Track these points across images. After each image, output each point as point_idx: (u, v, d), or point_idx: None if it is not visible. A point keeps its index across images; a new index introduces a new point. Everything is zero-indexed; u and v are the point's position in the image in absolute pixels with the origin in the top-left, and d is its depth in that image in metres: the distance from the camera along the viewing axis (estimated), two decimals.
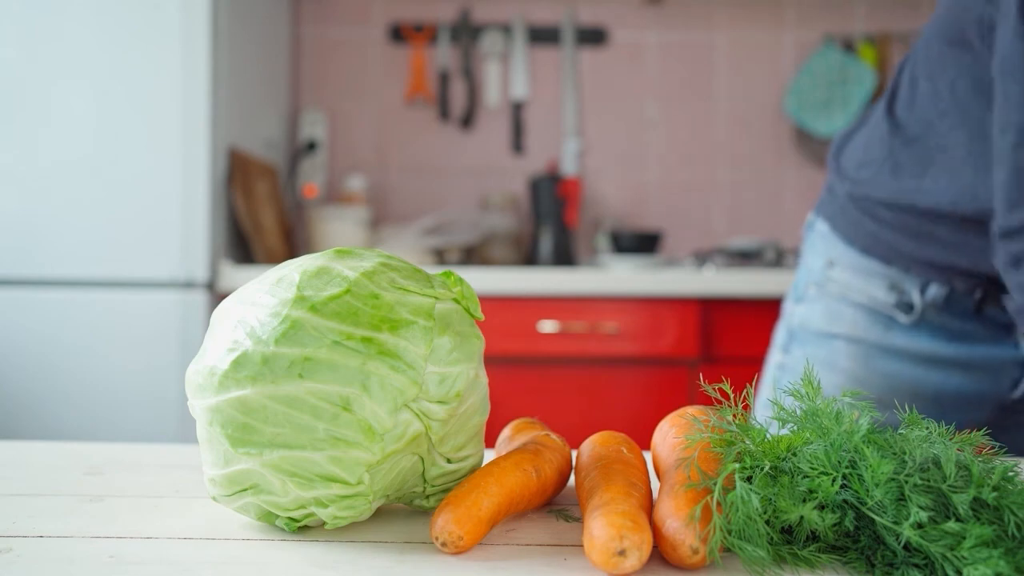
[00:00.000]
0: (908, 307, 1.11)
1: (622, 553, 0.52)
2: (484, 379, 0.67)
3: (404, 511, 0.67)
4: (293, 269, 0.62)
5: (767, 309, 2.02)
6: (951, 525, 0.52)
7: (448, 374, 0.61)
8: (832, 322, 1.16)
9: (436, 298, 0.63)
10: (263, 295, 0.61)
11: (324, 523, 0.61)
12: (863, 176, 1.13)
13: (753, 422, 0.62)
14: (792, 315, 1.22)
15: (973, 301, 1.09)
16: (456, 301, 0.65)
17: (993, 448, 0.59)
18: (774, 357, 1.24)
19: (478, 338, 0.65)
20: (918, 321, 1.11)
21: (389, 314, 0.60)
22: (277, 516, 0.61)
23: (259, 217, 2.21)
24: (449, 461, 0.64)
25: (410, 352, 0.59)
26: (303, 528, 0.62)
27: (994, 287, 1.08)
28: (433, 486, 0.65)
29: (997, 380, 1.12)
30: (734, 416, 0.62)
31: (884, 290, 1.12)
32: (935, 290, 1.09)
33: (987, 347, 1.11)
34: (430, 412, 0.61)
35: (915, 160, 1.07)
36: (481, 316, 0.66)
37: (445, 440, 0.63)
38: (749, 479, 0.56)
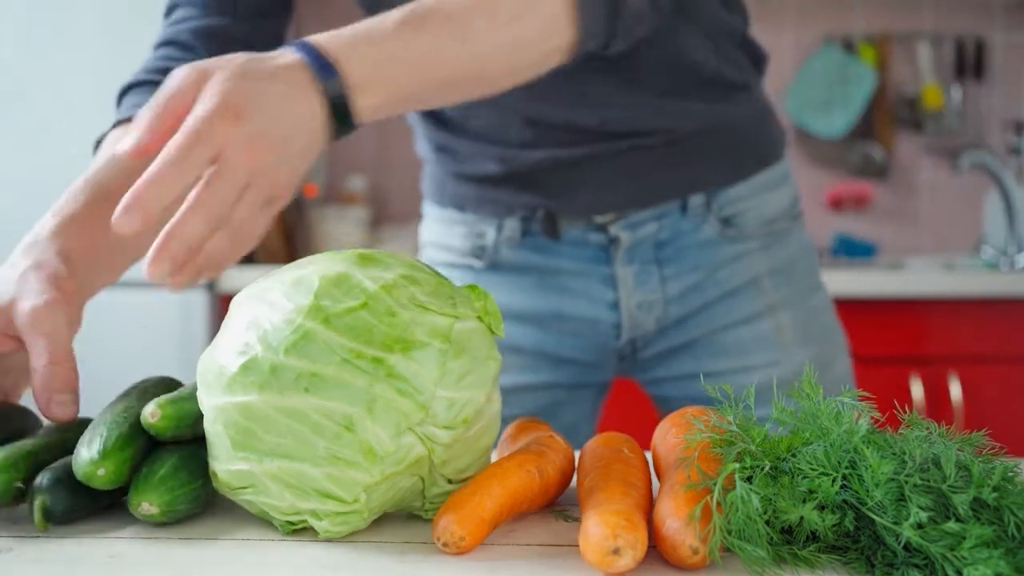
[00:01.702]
0: (482, 250, 1.05)
1: (616, 552, 0.52)
2: (497, 401, 0.66)
3: (405, 512, 0.67)
4: (313, 271, 0.61)
5: None
6: (951, 525, 0.52)
7: (457, 399, 0.60)
8: None
9: (456, 317, 0.61)
10: (280, 296, 0.60)
11: (318, 533, 0.60)
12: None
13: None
14: None
15: (547, 223, 1.00)
16: (479, 318, 0.64)
17: (993, 448, 0.59)
18: None
19: (495, 360, 0.64)
20: (494, 264, 1.04)
21: (403, 334, 0.59)
22: (274, 517, 0.61)
23: None
24: (451, 482, 0.64)
25: (420, 376, 0.58)
26: (303, 529, 0.62)
27: (561, 200, 0.99)
28: (433, 503, 0.64)
29: (595, 329, 1.03)
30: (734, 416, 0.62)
31: (462, 238, 1.06)
32: (510, 224, 1.03)
33: (574, 294, 1.02)
34: (435, 436, 0.60)
35: None
36: (502, 334, 0.65)
37: (448, 463, 0.62)
38: (749, 479, 0.56)
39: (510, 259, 1.04)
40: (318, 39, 0.67)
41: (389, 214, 2.72)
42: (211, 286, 2.01)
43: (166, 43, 0.94)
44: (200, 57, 0.80)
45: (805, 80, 2.67)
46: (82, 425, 0.68)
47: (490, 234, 1.04)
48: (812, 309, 1.05)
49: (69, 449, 0.65)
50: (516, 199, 1.02)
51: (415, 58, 0.70)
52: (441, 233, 1.10)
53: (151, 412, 0.62)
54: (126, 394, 0.68)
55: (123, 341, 1.96)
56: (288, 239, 2.38)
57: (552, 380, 1.06)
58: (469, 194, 1.06)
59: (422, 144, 1.11)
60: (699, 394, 0.92)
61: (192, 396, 0.64)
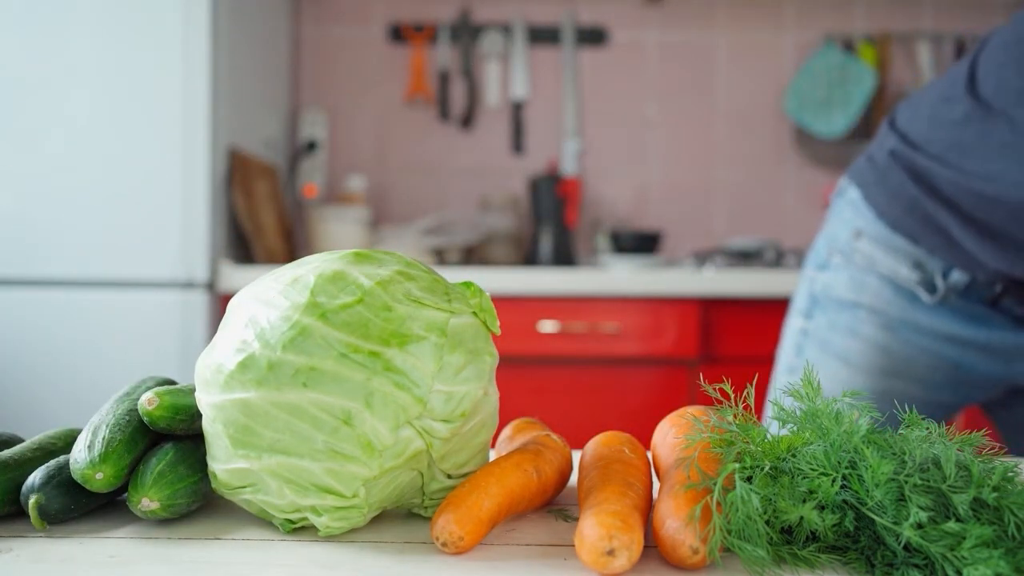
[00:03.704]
0: (931, 286, 1.13)
1: (611, 553, 0.52)
2: (494, 396, 0.66)
3: (404, 511, 0.67)
4: (310, 270, 0.61)
5: (767, 309, 2.02)
6: (951, 525, 0.52)
7: (455, 393, 0.60)
8: (857, 291, 1.18)
9: (452, 312, 0.61)
10: (277, 295, 0.60)
11: (318, 530, 0.60)
12: (933, 148, 1.11)
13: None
14: (814, 281, 1.24)
15: (992, 293, 1.11)
16: (474, 314, 0.64)
17: (993, 448, 0.59)
18: (794, 322, 1.27)
19: (491, 355, 0.64)
20: (940, 302, 1.14)
21: (399, 328, 0.59)
22: (274, 516, 0.61)
23: (259, 217, 2.21)
24: (450, 477, 0.64)
25: (417, 370, 0.58)
26: (302, 528, 0.62)
27: (1016, 284, 1.10)
28: (432, 499, 0.64)
29: (1012, 364, 1.16)
30: (734, 416, 0.62)
31: (908, 267, 1.14)
32: (957, 276, 1.12)
33: (1005, 332, 1.14)
34: (433, 430, 0.60)
35: (992, 144, 1.05)
36: (498, 330, 0.65)
37: (447, 457, 0.62)
38: (749, 479, 0.56)
39: (953, 303, 1.14)
40: None
41: (389, 214, 2.72)
42: (211, 285, 2.01)
43: None
44: None
45: (805, 80, 2.67)
46: (69, 434, 0.68)
47: (936, 275, 1.13)
48: None
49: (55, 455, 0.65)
50: (985, 265, 1.09)
51: None
52: (884, 253, 1.16)
53: (148, 399, 0.63)
54: (126, 395, 0.68)
55: (123, 341, 1.96)
56: (288, 239, 2.38)
57: (935, 398, 1.17)
58: (931, 239, 1.12)
59: (902, 173, 1.14)
60: None
61: (190, 391, 0.64)
